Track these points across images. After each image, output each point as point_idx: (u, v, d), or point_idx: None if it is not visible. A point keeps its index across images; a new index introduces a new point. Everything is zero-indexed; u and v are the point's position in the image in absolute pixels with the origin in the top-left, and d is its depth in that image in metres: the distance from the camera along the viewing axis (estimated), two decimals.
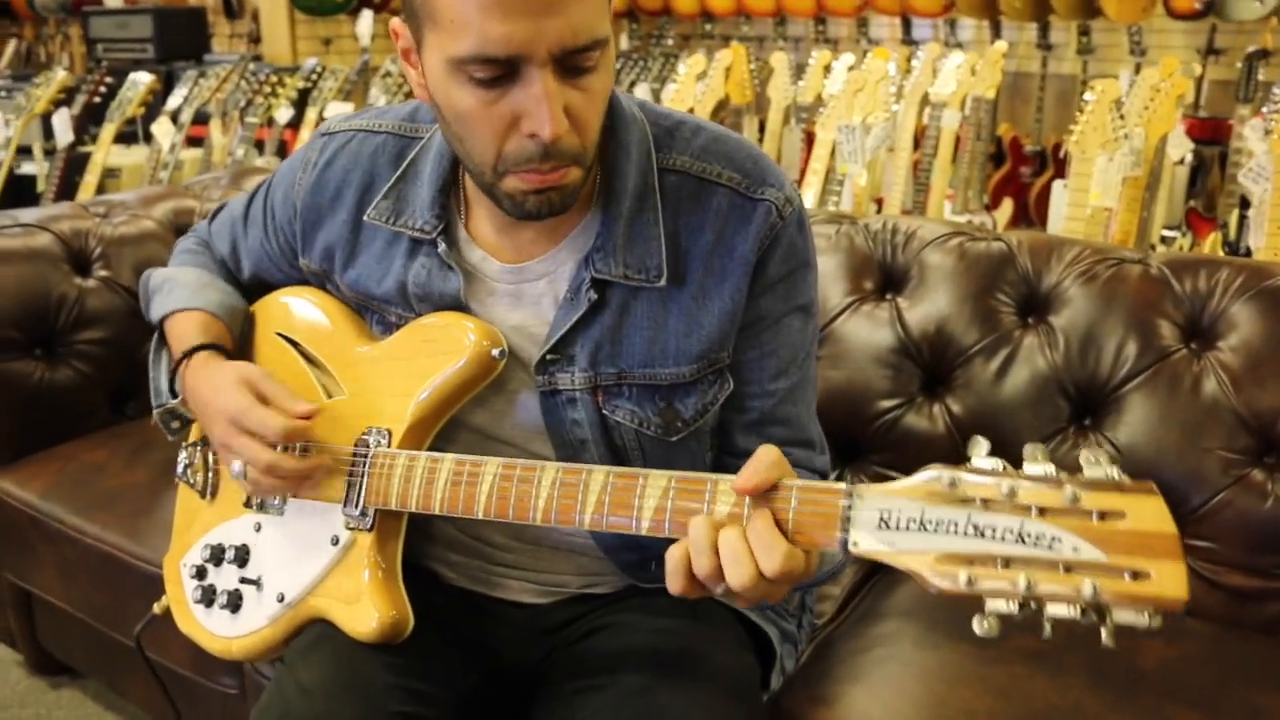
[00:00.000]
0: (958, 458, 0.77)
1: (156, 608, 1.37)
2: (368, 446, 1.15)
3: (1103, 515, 0.71)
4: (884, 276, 1.75)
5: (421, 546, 1.26)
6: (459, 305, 1.14)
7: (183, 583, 1.32)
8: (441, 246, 1.13)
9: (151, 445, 1.90)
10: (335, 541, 1.17)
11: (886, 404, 1.70)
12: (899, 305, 1.72)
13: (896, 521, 0.78)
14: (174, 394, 1.27)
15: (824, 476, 1.17)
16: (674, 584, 0.86)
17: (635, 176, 1.08)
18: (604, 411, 1.13)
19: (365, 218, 1.18)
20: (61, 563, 1.83)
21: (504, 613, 1.25)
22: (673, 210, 1.09)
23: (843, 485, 0.81)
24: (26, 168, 4.15)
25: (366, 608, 1.13)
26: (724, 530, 0.85)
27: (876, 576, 1.58)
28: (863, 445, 1.71)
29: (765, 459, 0.85)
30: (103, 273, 2.17)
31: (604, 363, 1.11)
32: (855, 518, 0.80)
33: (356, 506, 1.15)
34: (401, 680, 1.11)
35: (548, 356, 1.12)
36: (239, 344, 1.32)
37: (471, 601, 1.25)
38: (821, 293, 1.73)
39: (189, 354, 1.25)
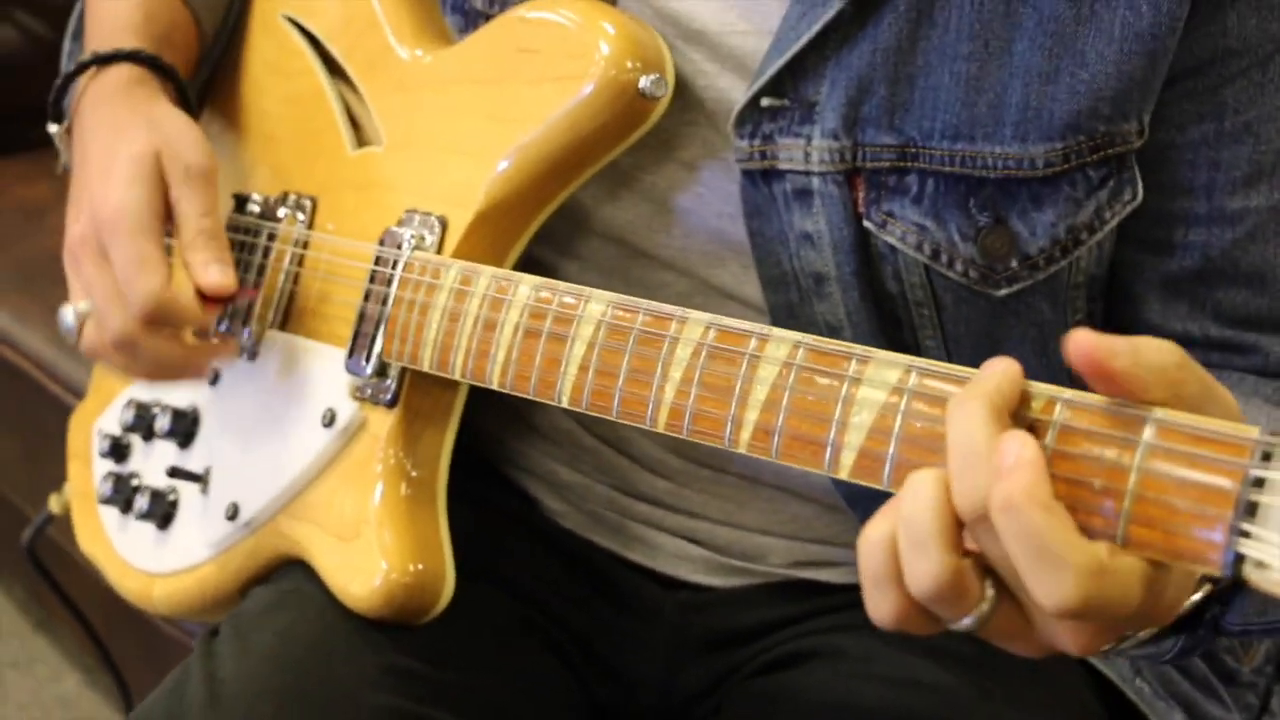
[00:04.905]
0: None
1: (54, 504, 1.34)
2: (399, 248, 1.05)
3: None
4: None
5: (501, 443, 1.21)
6: None
7: (92, 464, 1.25)
8: None
9: None
10: (329, 420, 1.05)
11: None
12: None
13: None
14: (60, 116, 1.21)
15: None
16: (873, 601, 0.73)
17: None
18: (867, 222, 1.00)
19: None
20: None
21: (640, 593, 1.17)
22: None
23: (1252, 430, 0.64)
24: None
25: (368, 550, 1.02)
26: None
27: None
28: None
29: (1147, 355, 0.67)
30: None
31: (874, 120, 0.99)
32: (1269, 506, 0.61)
33: (368, 358, 1.04)
34: (416, 705, 1.02)
35: (764, 101, 0.99)
36: (211, 40, 1.25)
37: (582, 565, 1.18)
38: None
39: (102, 62, 1.16)
